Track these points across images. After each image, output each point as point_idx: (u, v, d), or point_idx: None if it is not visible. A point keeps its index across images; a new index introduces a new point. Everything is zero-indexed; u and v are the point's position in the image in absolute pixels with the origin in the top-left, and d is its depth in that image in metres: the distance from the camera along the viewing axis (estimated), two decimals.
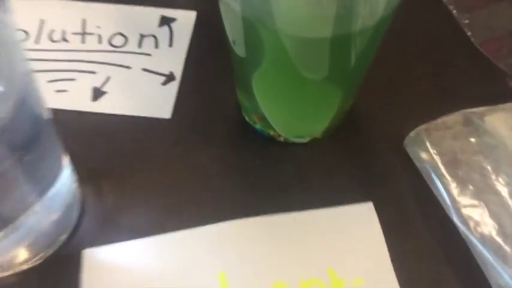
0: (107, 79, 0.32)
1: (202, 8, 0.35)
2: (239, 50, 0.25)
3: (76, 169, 0.28)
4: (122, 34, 0.34)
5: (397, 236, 0.27)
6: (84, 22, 0.35)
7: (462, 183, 0.27)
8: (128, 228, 0.28)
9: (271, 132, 0.30)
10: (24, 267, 0.26)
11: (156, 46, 0.34)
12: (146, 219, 0.28)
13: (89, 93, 0.32)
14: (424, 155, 0.28)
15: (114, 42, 0.34)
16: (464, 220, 0.26)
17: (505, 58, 0.33)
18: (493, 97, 0.30)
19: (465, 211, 0.26)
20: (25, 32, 0.34)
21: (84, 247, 0.27)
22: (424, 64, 0.33)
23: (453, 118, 0.29)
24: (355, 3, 0.20)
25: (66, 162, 0.27)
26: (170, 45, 0.34)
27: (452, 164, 0.28)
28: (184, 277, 0.26)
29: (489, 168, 0.27)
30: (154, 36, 0.34)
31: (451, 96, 0.31)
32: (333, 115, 0.29)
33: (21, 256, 0.26)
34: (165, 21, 0.35)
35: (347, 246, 0.27)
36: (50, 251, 0.27)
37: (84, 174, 0.29)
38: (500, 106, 0.29)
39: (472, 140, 0.28)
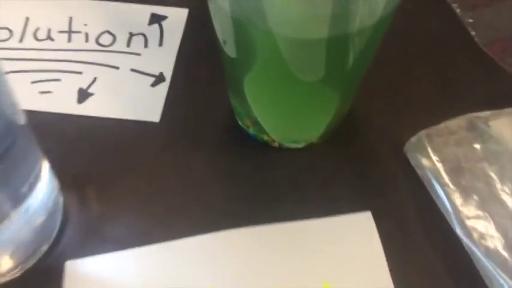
0: (94, 80, 0.31)
1: (195, 5, 0.34)
2: (229, 50, 0.23)
3: (59, 176, 0.27)
4: (110, 32, 0.33)
5: (397, 248, 0.26)
6: (70, 20, 0.33)
7: (466, 193, 0.26)
8: (113, 238, 0.26)
9: (265, 137, 0.29)
10: (3, 280, 0.25)
11: (146, 45, 0.32)
12: (132, 229, 0.27)
13: (74, 95, 0.31)
14: (425, 162, 0.27)
15: (101, 41, 0.32)
16: (468, 232, 0.25)
17: (511, 59, 0.32)
18: (499, 100, 0.29)
19: (469, 222, 0.25)
20: (9, 30, 0.33)
21: (67, 258, 0.26)
22: (426, 65, 0.32)
23: (456, 123, 0.28)
24: (353, 2, 0.19)
25: (45, 168, 0.25)
26: (160, 44, 0.32)
27: (455, 172, 0.27)
28: None
29: (495, 176, 0.26)
30: (144, 35, 0.33)
31: (454, 99, 0.30)
32: (330, 119, 0.28)
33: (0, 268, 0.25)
34: (156, 19, 0.33)
35: (343, 259, 0.26)
36: (30, 263, 0.26)
37: (68, 181, 0.28)
38: (507, 110, 0.28)
39: (477, 146, 0.27)
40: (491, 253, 0.24)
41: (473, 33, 0.33)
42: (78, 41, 0.32)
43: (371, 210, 0.27)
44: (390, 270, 0.25)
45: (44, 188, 0.25)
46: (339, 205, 0.27)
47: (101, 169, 0.28)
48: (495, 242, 0.24)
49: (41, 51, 0.32)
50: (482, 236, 0.25)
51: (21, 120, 0.22)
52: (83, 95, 0.30)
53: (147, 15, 0.34)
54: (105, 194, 0.28)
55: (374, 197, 0.27)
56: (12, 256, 0.25)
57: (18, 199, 0.23)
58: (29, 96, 0.30)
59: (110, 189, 0.28)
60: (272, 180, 0.28)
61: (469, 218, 0.25)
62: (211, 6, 0.22)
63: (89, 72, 0.31)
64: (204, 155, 0.29)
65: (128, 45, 0.32)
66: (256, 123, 0.28)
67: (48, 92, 0.31)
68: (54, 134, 0.29)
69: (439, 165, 0.27)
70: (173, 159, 0.29)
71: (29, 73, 0.31)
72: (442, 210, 0.26)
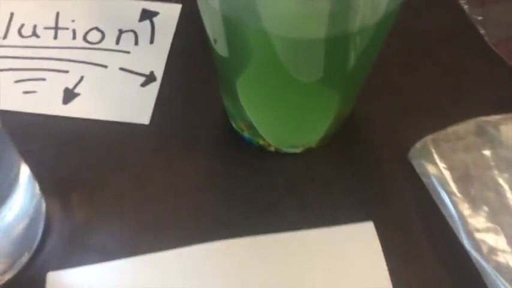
0: (80, 79, 0.29)
1: (188, 1, 0.33)
2: (221, 49, 0.22)
3: (41, 181, 0.26)
4: (98, 29, 0.31)
5: (400, 261, 0.25)
6: (57, 15, 0.32)
7: (474, 203, 0.24)
8: (98, 248, 0.25)
9: (261, 142, 0.27)
10: None
11: (136, 43, 0.31)
12: (119, 239, 0.25)
13: (59, 95, 0.29)
14: (431, 169, 0.26)
15: (89, 38, 0.31)
16: (477, 245, 0.24)
17: None
18: (510, 103, 0.28)
19: (478, 235, 0.24)
20: None
21: (49, 269, 0.24)
22: (432, 65, 0.30)
23: (464, 127, 0.27)
24: None
25: (25, 173, 0.24)
26: (151, 41, 0.31)
27: (463, 180, 0.25)
28: None
29: (505, 185, 0.25)
30: (134, 32, 0.31)
31: (462, 102, 0.29)
32: (330, 123, 0.26)
33: None
34: (147, 15, 0.32)
35: (343, 272, 0.24)
36: (9, 274, 0.24)
37: (51, 186, 0.26)
38: None
39: (486, 152, 0.26)
40: (502, 268, 0.23)
41: (482, 31, 0.31)
42: (65, 38, 0.31)
43: (372, 219, 0.25)
44: (393, 284, 0.24)
45: (23, 194, 0.24)
46: (338, 213, 0.26)
47: (86, 174, 0.27)
48: (506, 256, 0.23)
49: (26, 48, 0.31)
50: (492, 250, 0.23)
51: None
52: (69, 95, 0.29)
53: (138, 11, 0.32)
54: (91, 200, 0.26)
55: (376, 206, 0.26)
56: None
57: None
58: (12, 96, 0.29)
59: (95, 196, 0.26)
60: (268, 187, 0.27)
61: (478, 230, 0.24)
62: (200, 4, 0.21)
63: (76, 71, 0.30)
64: (196, 160, 0.27)
65: (117, 42, 0.31)
66: (250, 127, 0.26)
67: (32, 91, 0.29)
68: (38, 137, 0.28)
69: (446, 173, 0.25)
70: (163, 164, 0.27)
71: (13, 72, 0.30)
72: (449, 221, 0.25)
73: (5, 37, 0.31)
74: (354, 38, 0.20)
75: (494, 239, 0.23)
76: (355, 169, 0.27)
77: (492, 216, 0.24)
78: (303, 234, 0.25)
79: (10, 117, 0.28)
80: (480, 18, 0.32)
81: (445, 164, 0.26)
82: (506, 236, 0.23)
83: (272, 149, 0.27)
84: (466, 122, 0.27)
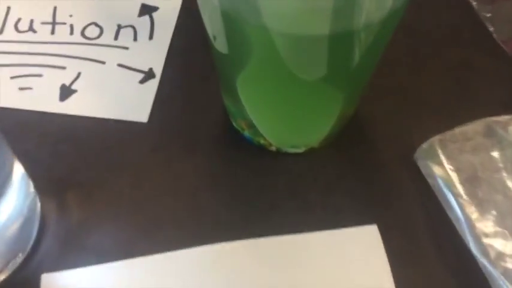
0: (78, 75, 0.29)
1: None
2: (220, 46, 0.21)
3: (37, 180, 0.25)
4: (96, 24, 0.31)
5: (405, 266, 0.24)
6: (55, 10, 0.31)
7: (482, 206, 0.24)
8: (95, 249, 0.25)
9: (262, 141, 0.26)
10: None
11: (135, 38, 0.30)
12: (116, 240, 0.25)
13: (56, 92, 0.28)
14: (437, 171, 0.25)
15: (87, 33, 0.30)
16: (484, 250, 0.23)
17: None
18: None
19: (485, 239, 0.23)
20: None
21: (43, 271, 0.24)
22: (439, 64, 0.30)
23: (472, 128, 0.26)
24: None
25: (18, 171, 0.23)
26: (151, 37, 0.30)
27: (471, 182, 0.24)
28: None
29: None
30: (133, 27, 0.30)
31: (470, 101, 0.28)
32: (333, 122, 0.25)
33: None
34: (146, 10, 0.31)
35: (346, 276, 0.24)
36: (3, 276, 0.24)
37: (47, 185, 0.26)
38: None
39: (495, 154, 0.25)
40: (509, 274, 0.22)
41: (491, 28, 0.31)
42: (62, 33, 0.30)
43: (376, 222, 0.25)
44: None
45: (16, 193, 0.23)
46: (341, 216, 0.25)
47: (82, 173, 0.26)
48: None
49: (22, 43, 0.30)
50: (500, 255, 0.23)
51: None
52: (66, 92, 0.28)
53: (137, 5, 0.31)
54: (87, 200, 0.26)
55: (380, 208, 0.25)
56: None
57: None
58: (8, 93, 0.28)
59: (92, 195, 0.26)
60: (269, 187, 0.26)
61: (485, 234, 0.23)
62: None
63: (73, 67, 0.29)
64: (195, 159, 0.27)
65: (116, 38, 0.30)
66: (251, 126, 0.25)
67: (29, 88, 0.28)
68: (33, 134, 0.27)
69: (453, 175, 0.25)
70: (162, 163, 0.27)
71: (9, 67, 0.29)
72: (455, 225, 0.24)
73: (1, 32, 0.30)
74: (358, 35, 0.19)
75: (502, 244, 0.23)
76: (359, 170, 0.26)
77: (500, 220, 0.23)
78: (304, 237, 0.24)
79: (5, 114, 0.27)
80: (489, 15, 0.31)
81: (452, 165, 0.25)
82: None
83: (273, 148, 0.27)
84: (474, 122, 0.26)
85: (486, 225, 0.23)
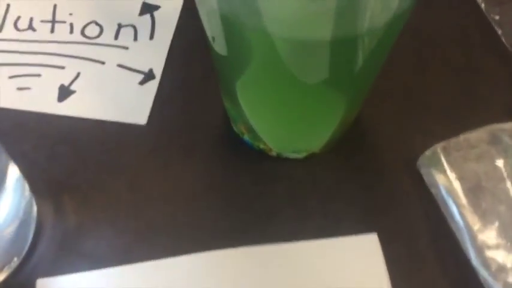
0: (77, 76, 0.28)
1: None
2: (219, 48, 0.21)
3: (33, 182, 0.25)
4: (96, 23, 0.30)
5: (404, 276, 0.23)
6: (54, 8, 0.31)
7: (485, 217, 0.23)
8: (91, 255, 0.24)
9: (262, 146, 0.26)
10: None
11: (135, 38, 0.30)
12: (112, 245, 0.24)
13: (54, 92, 0.28)
14: (441, 179, 0.25)
15: (87, 32, 0.30)
16: (486, 262, 0.22)
17: None
18: None
19: (487, 252, 0.23)
20: None
21: (39, 275, 0.24)
22: (444, 67, 0.29)
23: (477, 135, 0.25)
24: None
25: (13, 174, 0.23)
26: (151, 37, 0.30)
27: (474, 193, 0.24)
28: None
29: None
30: (134, 27, 0.30)
31: (476, 107, 0.28)
32: (334, 128, 0.25)
33: None
34: (147, 8, 0.31)
35: (344, 285, 0.23)
36: None
37: (43, 188, 0.26)
38: None
39: (499, 163, 0.25)
40: None
41: (499, 31, 0.30)
42: (62, 32, 0.30)
43: (377, 231, 0.24)
44: None
45: (11, 195, 0.23)
46: (341, 224, 0.25)
47: (80, 176, 0.26)
48: None
49: (21, 42, 0.30)
50: (501, 268, 0.22)
51: None
52: (64, 93, 0.28)
53: (138, 4, 0.31)
54: (84, 204, 0.25)
55: (381, 217, 0.25)
56: None
57: None
58: (5, 93, 0.28)
59: (89, 199, 0.25)
60: (268, 194, 0.26)
61: (487, 246, 0.23)
62: (197, 0, 0.19)
63: (72, 67, 0.29)
64: (194, 164, 0.26)
65: (116, 37, 0.30)
66: (251, 130, 0.25)
67: (27, 88, 0.28)
68: (30, 136, 0.27)
69: (456, 184, 0.24)
70: (160, 167, 0.26)
71: (7, 67, 0.29)
72: (457, 236, 0.24)
73: (0, 30, 0.30)
74: (362, 39, 0.19)
75: (504, 256, 0.22)
76: (360, 177, 0.26)
77: (503, 232, 0.23)
78: (303, 245, 0.24)
79: (2, 115, 0.27)
80: (497, 17, 0.30)
81: (455, 173, 0.24)
82: None
83: (273, 153, 0.26)
84: (479, 130, 0.25)
85: (488, 236, 0.23)
